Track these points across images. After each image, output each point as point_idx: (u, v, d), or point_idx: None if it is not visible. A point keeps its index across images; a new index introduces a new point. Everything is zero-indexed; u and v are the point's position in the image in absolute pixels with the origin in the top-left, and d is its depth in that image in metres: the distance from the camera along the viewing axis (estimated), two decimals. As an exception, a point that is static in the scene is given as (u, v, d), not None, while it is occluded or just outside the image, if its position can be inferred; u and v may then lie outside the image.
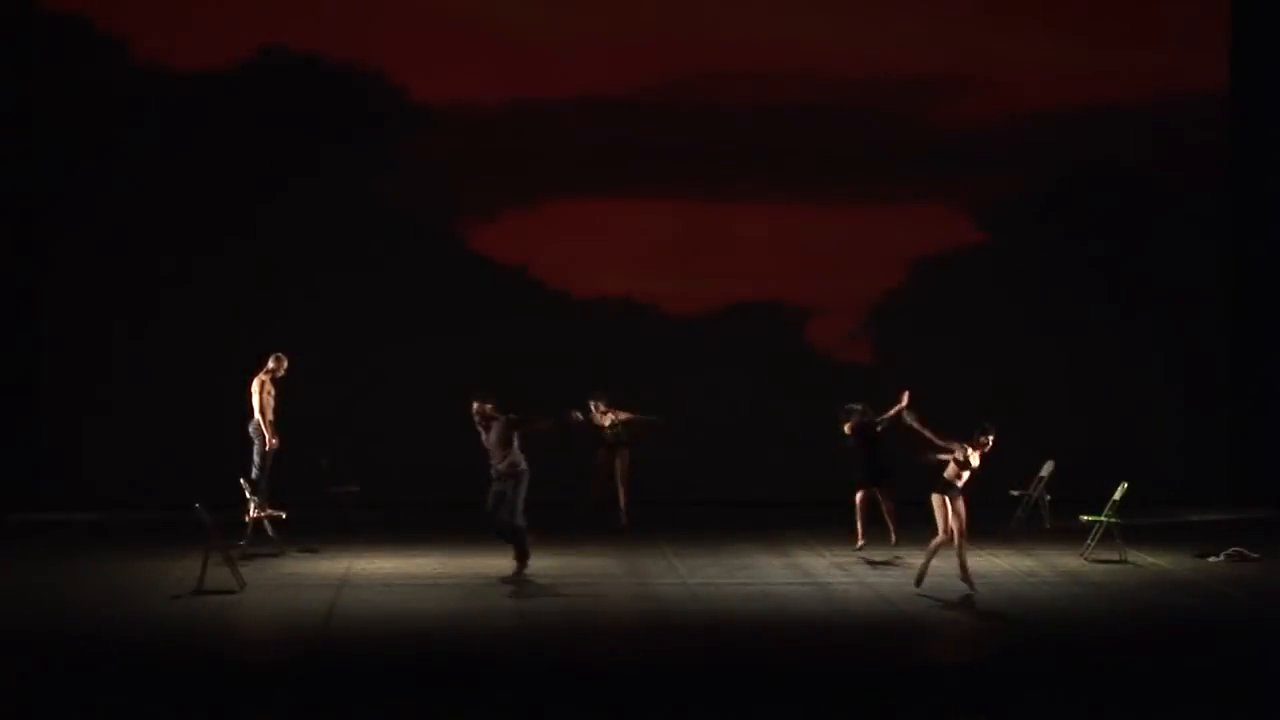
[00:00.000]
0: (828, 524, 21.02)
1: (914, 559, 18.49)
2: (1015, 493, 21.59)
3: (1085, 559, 19.30)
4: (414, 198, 23.86)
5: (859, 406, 19.95)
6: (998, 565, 18.79)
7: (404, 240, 23.85)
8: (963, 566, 17.24)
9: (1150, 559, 19.42)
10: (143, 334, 23.50)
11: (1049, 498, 21.54)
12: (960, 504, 17.19)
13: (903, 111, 24.18)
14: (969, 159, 24.18)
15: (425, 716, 13.30)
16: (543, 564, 19.12)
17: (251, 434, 20.34)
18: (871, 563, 19.17)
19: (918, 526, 19.57)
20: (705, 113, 23.99)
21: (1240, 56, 24.17)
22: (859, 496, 19.83)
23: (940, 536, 17.25)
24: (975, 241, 24.40)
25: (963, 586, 17.19)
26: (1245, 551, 19.49)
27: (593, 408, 21.71)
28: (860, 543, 19.67)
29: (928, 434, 17.60)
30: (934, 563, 17.41)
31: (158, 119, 23.61)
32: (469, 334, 23.74)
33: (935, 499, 17.27)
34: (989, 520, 21.11)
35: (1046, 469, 21.52)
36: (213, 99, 23.63)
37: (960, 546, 17.20)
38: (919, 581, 17.37)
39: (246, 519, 19.56)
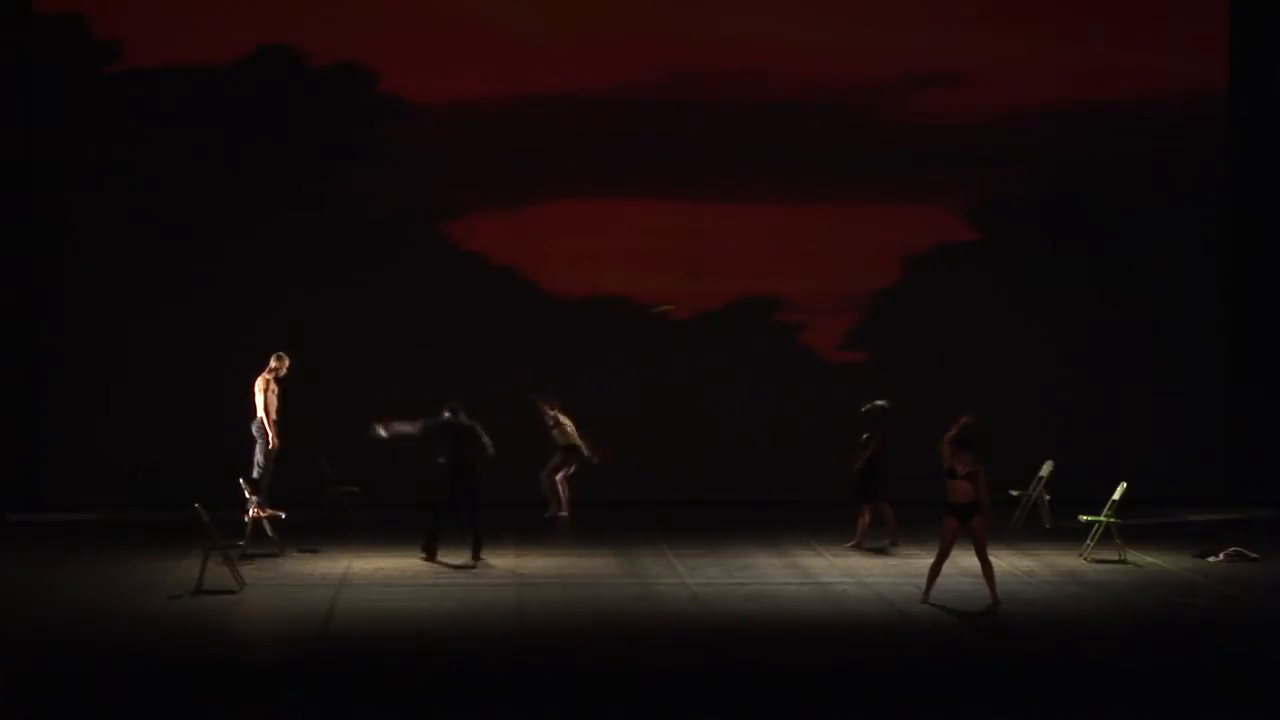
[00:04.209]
0: (828, 524, 21.04)
1: (915, 556, 18.51)
2: (1015, 493, 21.60)
3: (1085, 559, 19.30)
4: (412, 197, 23.86)
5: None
6: (998, 565, 18.72)
7: (402, 239, 23.84)
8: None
9: (1150, 559, 19.42)
10: (142, 334, 23.48)
11: (1048, 498, 21.55)
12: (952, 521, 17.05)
13: (901, 110, 24.19)
14: (967, 158, 24.18)
15: (425, 716, 13.30)
16: (543, 564, 19.15)
17: (255, 433, 20.34)
18: (871, 555, 19.24)
19: (919, 527, 19.66)
20: (701, 112, 23.97)
21: (1240, 56, 24.17)
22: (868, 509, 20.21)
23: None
24: (973, 241, 24.39)
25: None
26: (1245, 551, 19.49)
27: (544, 408, 22.04)
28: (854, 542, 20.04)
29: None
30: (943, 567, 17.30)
31: (157, 118, 23.60)
32: (467, 333, 23.75)
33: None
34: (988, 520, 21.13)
35: (1046, 469, 21.54)
36: (211, 98, 23.63)
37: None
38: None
39: (246, 519, 19.56)
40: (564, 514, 22.32)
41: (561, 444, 22.27)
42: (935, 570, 16.96)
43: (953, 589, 17.21)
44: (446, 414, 19.33)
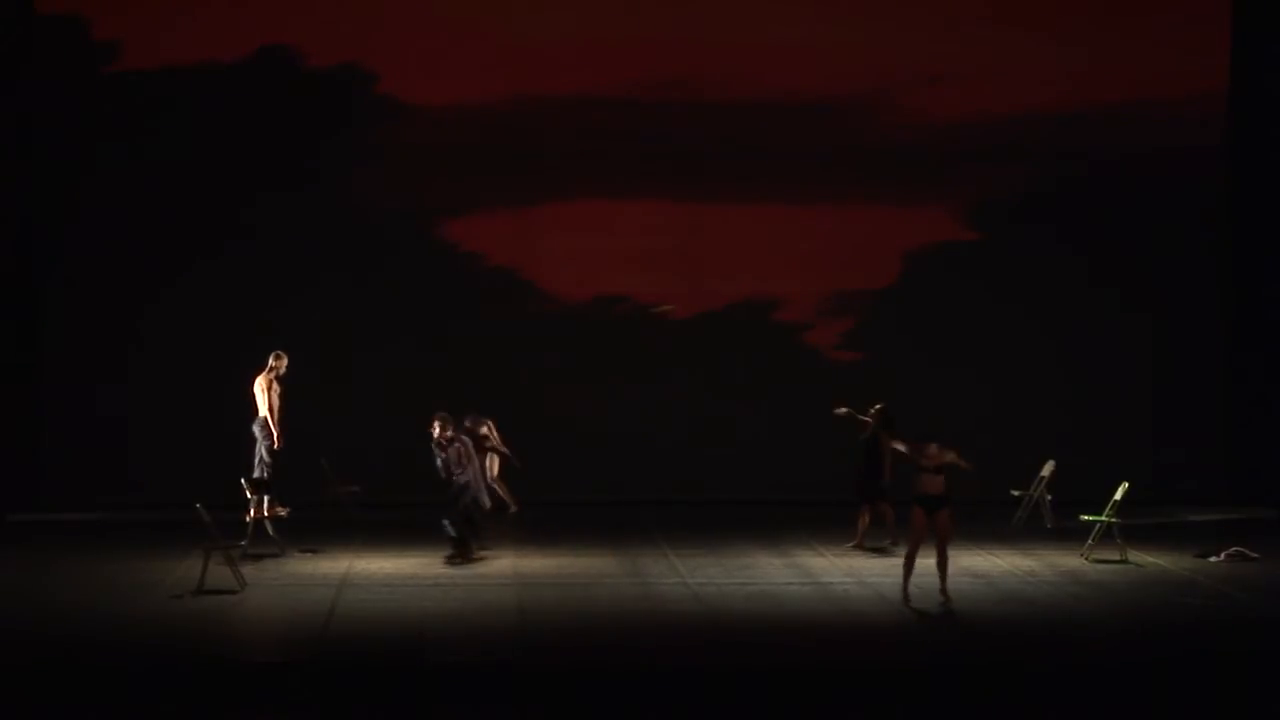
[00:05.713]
0: (828, 524, 21.04)
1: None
2: (1015, 493, 21.60)
3: (1085, 559, 19.30)
4: (411, 198, 23.85)
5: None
6: (998, 565, 18.78)
7: (402, 239, 23.83)
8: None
9: (1150, 559, 19.42)
10: (142, 333, 23.48)
11: (1049, 497, 21.55)
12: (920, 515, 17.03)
13: (901, 110, 24.17)
14: (967, 158, 24.16)
15: (425, 716, 13.30)
16: (543, 564, 19.16)
17: (256, 433, 20.34)
18: (871, 554, 19.23)
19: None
20: (701, 112, 23.95)
21: (1240, 56, 24.16)
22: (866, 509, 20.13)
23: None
24: (973, 240, 24.38)
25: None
26: (1245, 551, 19.49)
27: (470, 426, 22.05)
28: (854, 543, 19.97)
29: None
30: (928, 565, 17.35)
31: (157, 118, 23.60)
32: (468, 333, 23.75)
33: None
34: (989, 520, 21.15)
35: (1047, 469, 21.54)
36: (211, 98, 23.62)
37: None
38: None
39: (247, 519, 19.56)
40: (514, 508, 22.33)
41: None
42: (909, 565, 16.92)
43: (953, 589, 17.17)
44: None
